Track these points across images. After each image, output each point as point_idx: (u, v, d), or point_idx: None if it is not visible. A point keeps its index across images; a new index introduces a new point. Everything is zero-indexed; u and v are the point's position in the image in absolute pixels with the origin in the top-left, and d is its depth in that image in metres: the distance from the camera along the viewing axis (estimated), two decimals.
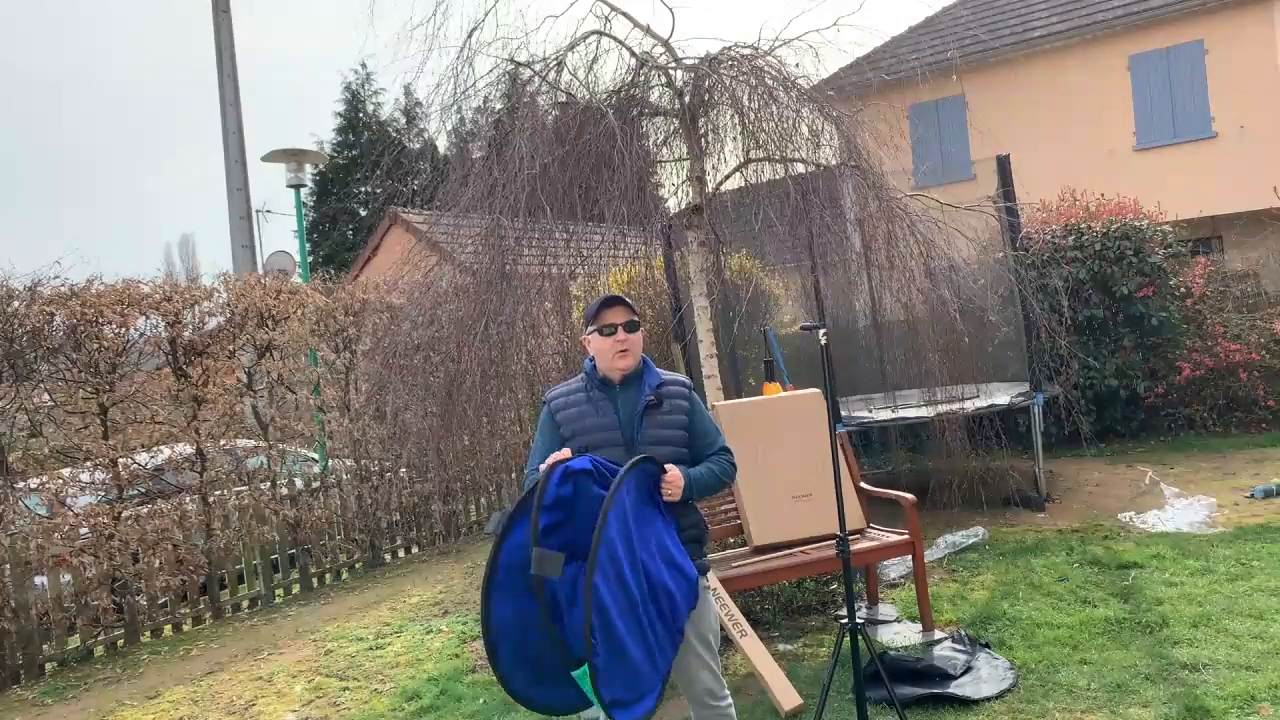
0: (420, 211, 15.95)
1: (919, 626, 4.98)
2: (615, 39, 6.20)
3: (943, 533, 6.70)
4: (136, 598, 6.65)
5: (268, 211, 30.96)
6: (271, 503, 7.58)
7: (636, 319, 3.09)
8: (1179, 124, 14.08)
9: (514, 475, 9.87)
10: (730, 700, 3.11)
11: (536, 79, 6.22)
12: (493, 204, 5.91)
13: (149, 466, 7.27)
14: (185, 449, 7.41)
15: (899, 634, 4.99)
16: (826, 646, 4.83)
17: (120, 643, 6.56)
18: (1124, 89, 14.40)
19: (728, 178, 6.41)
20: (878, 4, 6.84)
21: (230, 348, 7.79)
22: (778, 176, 6.13)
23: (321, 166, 25.06)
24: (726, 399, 6.04)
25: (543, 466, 2.82)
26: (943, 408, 6.77)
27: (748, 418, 5.25)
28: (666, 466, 2.90)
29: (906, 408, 7.37)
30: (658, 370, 3.15)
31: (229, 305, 7.68)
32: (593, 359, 3.13)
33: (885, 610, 5.38)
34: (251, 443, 7.99)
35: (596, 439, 2.99)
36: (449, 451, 6.83)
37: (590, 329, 3.08)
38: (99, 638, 6.46)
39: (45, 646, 6.18)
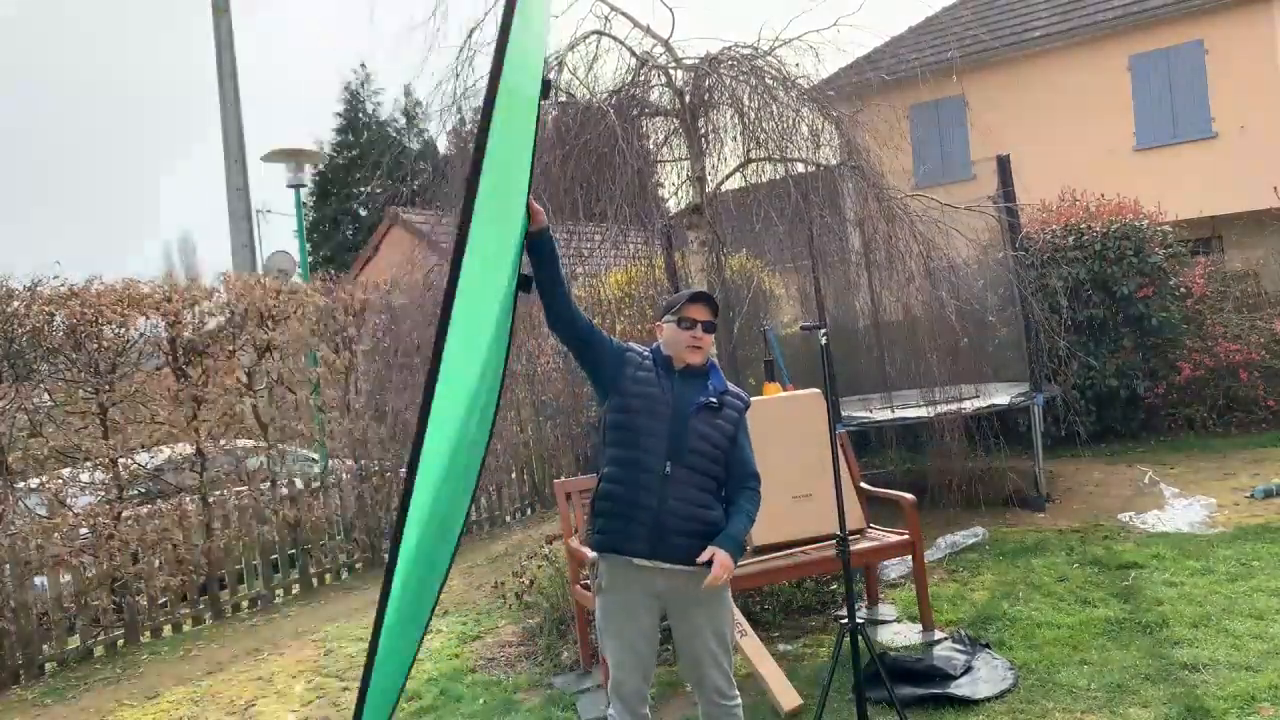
0: (420, 212, 15.95)
1: (919, 626, 4.98)
2: (615, 39, 6.21)
3: (943, 533, 6.70)
4: (136, 598, 6.65)
5: (268, 211, 31.01)
6: (271, 503, 7.58)
7: (715, 322, 3.16)
8: (1179, 124, 14.08)
9: (514, 475, 9.88)
10: (739, 701, 3.11)
11: None
12: None
13: (149, 466, 7.27)
14: (185, 449, 7.40)
15: (899, 634, 4.99)
16: (826, 646, 4.83)
17: (120, 643, 6.56)
18: (1124, 89, 14.39)
19: (728, 178, 6.41)
20: (878, 4, 6.84)
21: (230, 348, 7.78)
22: (778, 176, 6.14)
23: (321, 166, 25.07)
24: None
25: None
26: (942, 408, 6.77)
27: (748, 417, 5.24)
28: (713, 556, 2.95)
29: (906, 408, 7.37)
30: (723, 376, 3.21)
31: (229, 305, 7.68)
32: (659, 344, 3.18)
33: (885, 610, 5.38)
34: (251, 443, 7.99)
35: (649, 405, 3.02)
36: None
37: (669, 317, 3.13)
38: (99, 638, 6.46)
39: (45, 646, 6.18)
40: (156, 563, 6.72)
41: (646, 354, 3.16)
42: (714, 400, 3.09)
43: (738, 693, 3.11)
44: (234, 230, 11.82)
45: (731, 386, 3.21)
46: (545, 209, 2.95)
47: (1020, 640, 4.65)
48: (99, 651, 6.42)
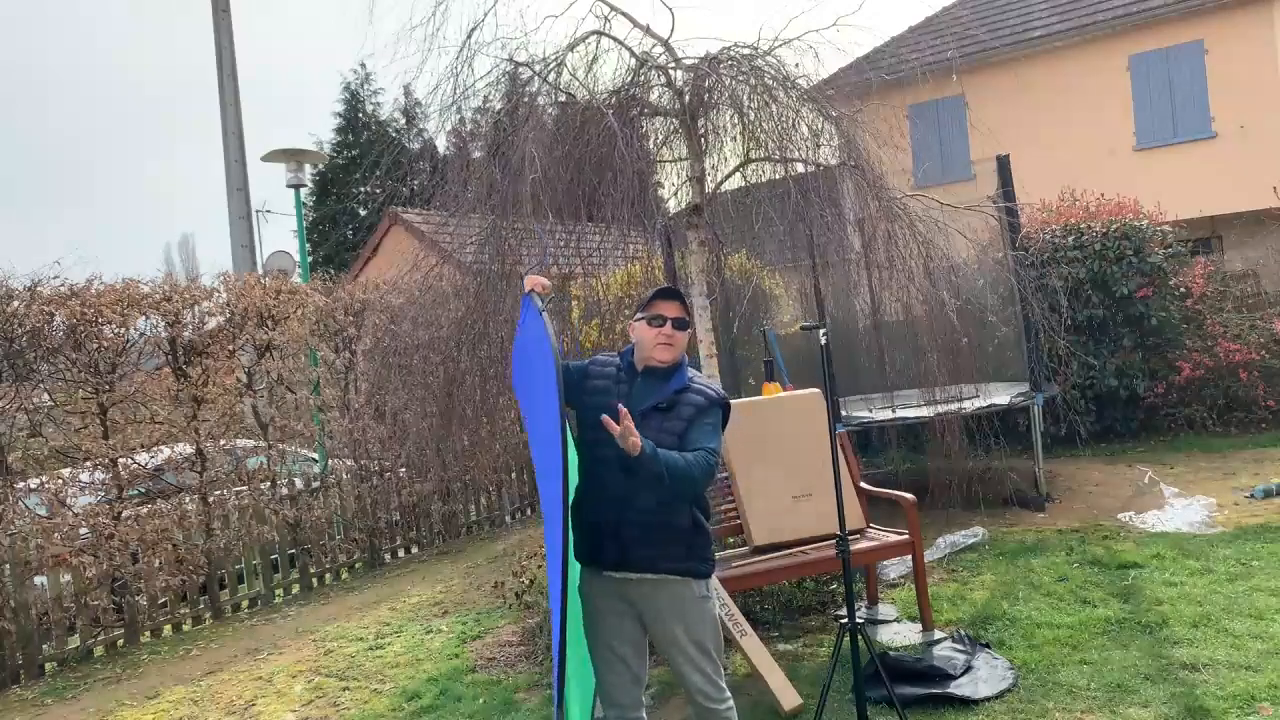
0: (420, 211, 15.96)
1: (919, 626, 4.98)
2: (615, 39, 6.19)
3: (943, 533, 6.70)
4: (136, 598, 6.65)
5: (268, 211, 31.02)
6: (271, 503, 7.58)
7: (687, 319, 3.08)
8: (1179, 124, 14.08)
9: (514, 475, 9.88)
10: (731, 703, 3.07)
11: (536, 79, 6.22)
12: (493, 204, 5.91)
13: (149, 466, 7.27)
14: (185, 449, 7.40)
15: (899, 634, 4.99)
16: (826, 646, 4.83)
17: (120, 643, 6.56)
18: (1124, 89, 14.40)
19: (728, 178, 6.40)
20: (878, 4, 6.84)
21: (230, 348, 7.78)
22: (778, 176, 6.12)
23: (321, 166, 25.07)
24: None
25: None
26: (942, 408, 6.77)
27: (748, 418, 5.25)
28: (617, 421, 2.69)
29: (906, 408, 7.37)
30: (690, 376, 3.05)
31: (229, 305, 7.68)
32: (632, 347, 3.12)
33: (885, 610, 5.38)
34: (251, 443, 7.99)
35: (600, 417, 2.97)
36: (449, 451, 6.83)
37: (639, 316, 3.07)
38: (99, 638, 6.46)
39: (45, 646, 6.17)
40: (156, 563, 6.72)
41: (611, 360, 3.10)
42: (663, 403, 2.95)
43: (729, 694, 3.07)
44: (234, 230, 11.83)
45: (698, 382, 3.04)
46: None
47: (1020, 640, 4.65)
48: (99, 651, 6.42)
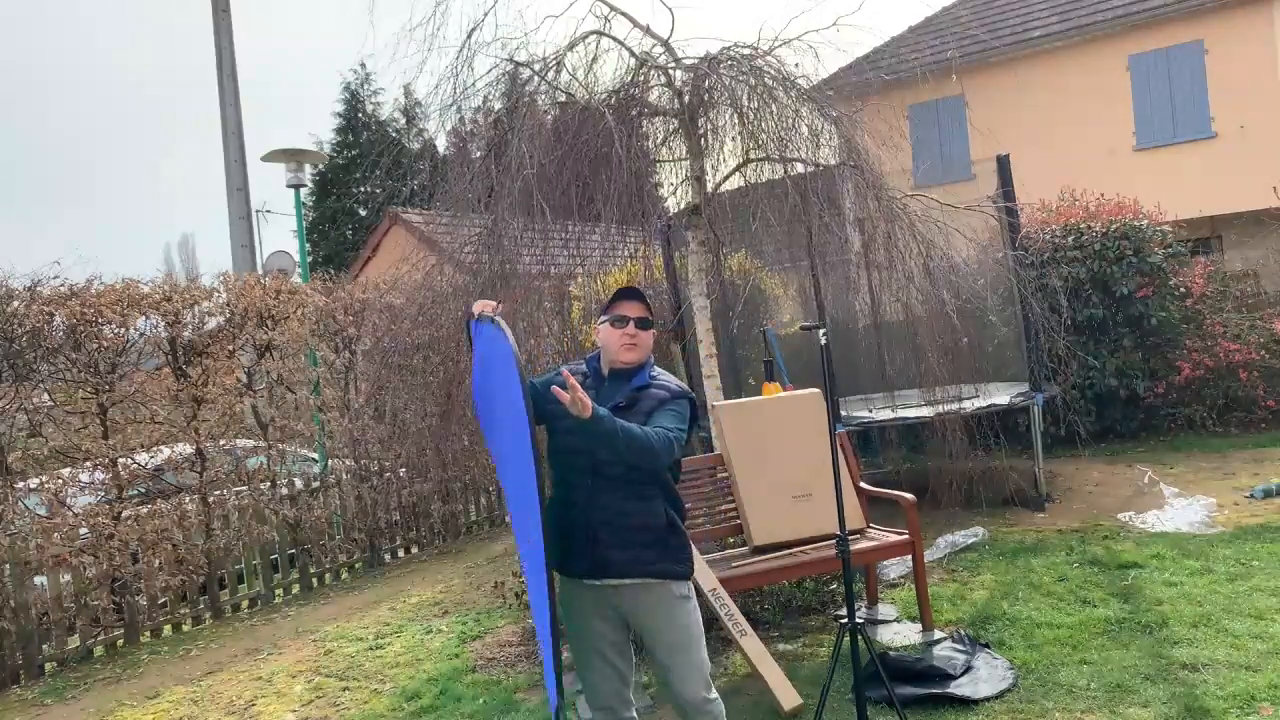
0: (420, 211, 15.97)
1: (919, 626, 4.98)
2: (615, 39, 6.19)
3: (943, 533, 6.70)
4: (136, 598, 6.65)
5: (268, 211, 31.05)
6: (271, 503, 7.57)
7: (650, 318, 3.04)
8: (1179, 124, 14.08)
9: None
10: (719, 701, 3.05)
11: (536, 79, 6.22)
12: (492, 204, 5.91)
13: (149, 466, 7.27)
14: (185, 449, 7.40)
15: (899, 634, 4.99)
16: (826, 646, 4.83)
17: (120, 643, 6.56)
18: (1124, 89, 14.40)
19: (727, 178, 6.40)
20: (878, 4, 6.83)
21: (230, 348, 7.78)
22: (777, 176, 6.12)
23: (321, 166, 25.07)
24: (726, 399, 6.04)
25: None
26: (942, 408, 6.77)
27: (748, 418, 5.25)
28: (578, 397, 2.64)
29: (906, 408, 7.37)
30: (652, 375, 3.03)
31: (229, 305, 7.68)
32: (598, 353, 3.10)
33: (885, 610, 5.38)
34: (251, 443, 7.99)
35: (566, 424, 2.90)
36: (448, 451, 6.83)
37: (603, 318, 3.03)
38: (99, 638, 6.46)
39: (45, 646, 6.17)
40: (156, 563, 6.72)
41: (578, 369, 3.08)
42: (621, 402, 2.91)
43: (715, 694, 3.05)
44: (234, 230, 11.83)
45: (660, 379, 3.00)
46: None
47: (1020, 640, 4.65)
48: (99, 651, 6.42)
